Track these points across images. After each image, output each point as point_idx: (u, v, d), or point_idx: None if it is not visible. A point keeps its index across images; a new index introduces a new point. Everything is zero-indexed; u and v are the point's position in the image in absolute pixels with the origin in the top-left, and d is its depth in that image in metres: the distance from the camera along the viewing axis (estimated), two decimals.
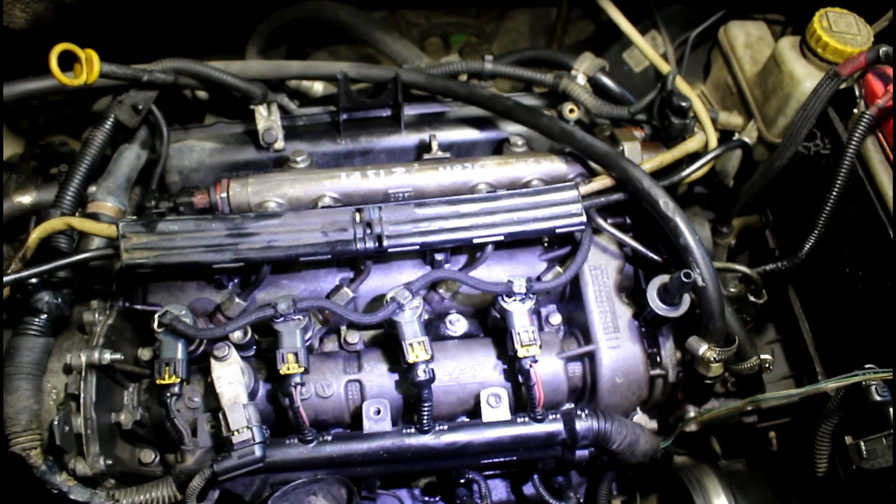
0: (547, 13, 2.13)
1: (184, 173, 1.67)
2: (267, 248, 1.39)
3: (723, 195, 1.80)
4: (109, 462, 1.38)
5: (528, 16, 2.15)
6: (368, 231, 1.41)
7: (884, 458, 1.22)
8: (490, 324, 1.57)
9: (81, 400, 1.35)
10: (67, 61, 1.40)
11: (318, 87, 1.91)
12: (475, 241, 1.43)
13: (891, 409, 1.23)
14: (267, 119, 1.65)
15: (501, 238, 1.44)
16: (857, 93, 1.50)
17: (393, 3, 2.04)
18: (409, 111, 1.72)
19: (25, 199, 1.63)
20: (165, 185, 1.67)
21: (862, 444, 1.27)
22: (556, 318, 1.57)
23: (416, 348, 1.38)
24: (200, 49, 1.98)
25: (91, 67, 1.45)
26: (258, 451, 1.33)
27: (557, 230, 1.45)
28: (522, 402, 1.47)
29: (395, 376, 1.48)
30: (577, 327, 1.55)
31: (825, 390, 1.37)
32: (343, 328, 1.56)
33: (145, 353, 1.49)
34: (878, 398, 1.25)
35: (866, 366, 1.28)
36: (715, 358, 1.38)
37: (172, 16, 1.87)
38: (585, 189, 1.50)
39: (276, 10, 1.90)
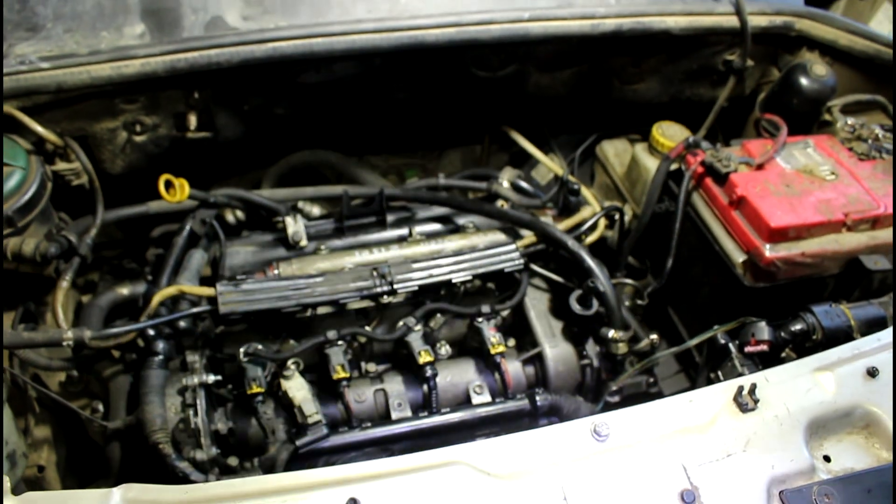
0: (473, 150, 2.87)
1: (233, 269, 2.24)
2: (318, 295, 2.04)
3: (613, 257, 2.56)
4: (218, 451, 1.93)
5: (460, 153, 2.87)
6: (383, 280, 2.09)
7: (731, 374, 1.88)
8: (466, 345, 2.23)
9: (198, 406, 1.91)
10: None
11: (315, 210, 2.60)
12: (453, 280, 2.13)
13: (729, 345, 1.94)
14: (294, 225, 2.30)
15: (470, 277, 2.13)
16: (682, 167, 2.31)
17: (361, 151, 2.79)
18: (390, 216, 2.43)
19: (124, 290, 2.18)
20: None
21: (719, 373, 1.94)
22: (512, 341, 2.22)
23: (423, 355, 2.02)
24: (224, 178, 2.70)
25: (183, 191, 2.14)
26: (325, 430, 1.91)
27: (505, 270, 2.16)
28: (497, 391, 2.12)
29: (409, 384, 2.07)
30: (527, 343, 2.21)
31: (694, 349, 2.11)
32: (363, 363, 2.19)
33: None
34: (721, 342, 1.95)
35: (714, 327, 2.02)
36: (619, 338, 2.08)
37: (213, 158, 2.57)
38: (520, 244, 2.22)
39: (282, 157, 2.65)
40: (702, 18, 2.31)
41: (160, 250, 2.41)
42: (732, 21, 2.35)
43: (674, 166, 2.31)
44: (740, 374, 1.87)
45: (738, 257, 2.08)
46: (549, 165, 2.62)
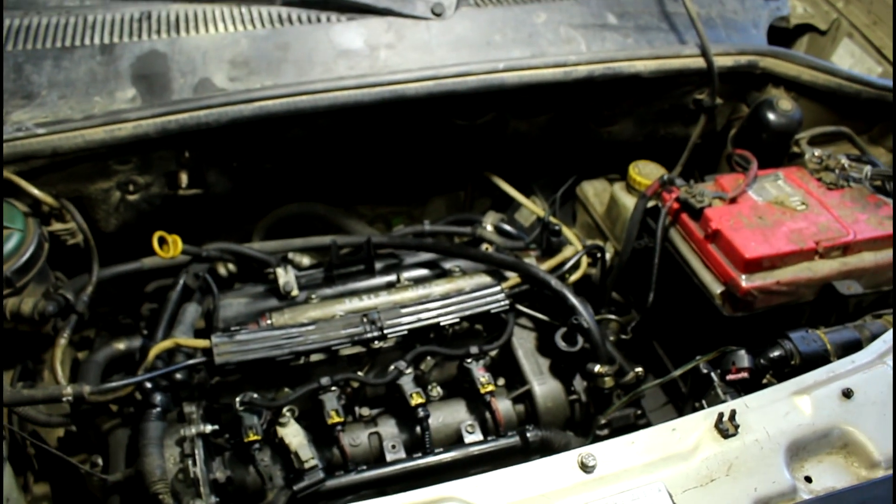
0: (457, 196, 2.95)
1: (227, 321, 2.28)
2: (311, 343, 2.09)
3: (597, 293, 2.63)
4: (218, 499, 1.97)
5: (444, 199, 2.94)
6: (373, 325, 2.15)
7: (714, 402, 1.93)
8: (458, 389, 2.28)
9: (196, 456, 1.94)
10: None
11: (305, 261, 2.65)
12: (442, 323, 2.18)
13: (711, 374, 2.00)
14: (285, 276, 2.35)
15: (458, 320, 2.19)
16: (658, 205, 2.40)
17: (348, 201, 2.87)
18: (378, 263, 2.49)
19: (120, 345, 2.22)
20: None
21: (704, 402, 1.99)
22: (501, 380, 2.26)
23: (415, 397, 2.06)
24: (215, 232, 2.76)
25: (176, 247, 2.20)
26: (321, 474, 1.94)
27: (492, 311, 2.21)
28: (488, 429, 2.17)
29: (402, 426, 2.10)
30: (515, 381, 2.25)
31: (679, 380, 2.16)
32: (356, 407, 2.23)
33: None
34: (704, 371, 2.00)
35: (696, 357, 2.08)
36: (605, 372, 2.14)
37: (204, 213, 2.63)
38: (504, 285, 2.29)
39: (271, 209, 2.73)
40: (670, 61, 2.41)
41: (154, 305, 2.47)
42: (699, 62, 2.45)
43: (651, 203, 2.39)
44: (723, 402, 1.93)
45: (716, 288, 2.15)
46: (531, 208, 2.69)
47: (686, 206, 2.26)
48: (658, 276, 2.30)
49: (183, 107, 2.10)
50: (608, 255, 2.60)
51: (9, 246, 1.95)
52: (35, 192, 2.04)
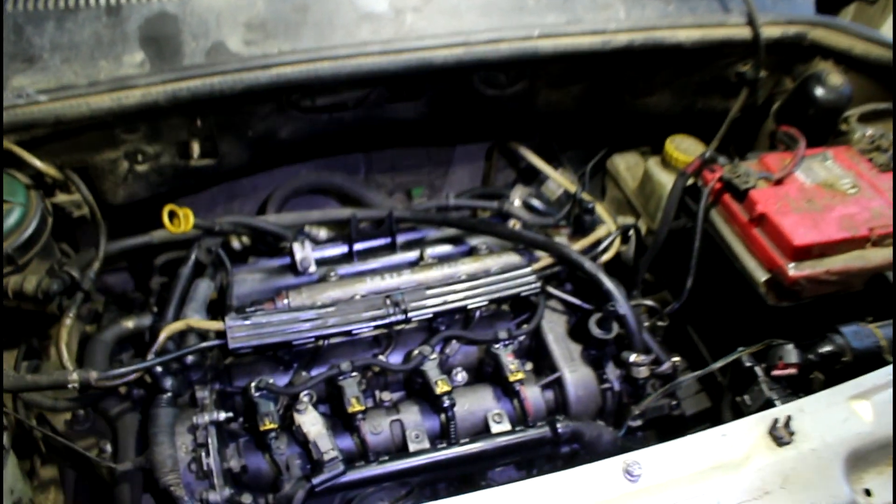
0: (480, 165, 2.84)
1: (241, 297, 2.18)
2: (330, 326, 1.98)
3: (628, 273, 2.50)
4: (232, 490, 1.87)
5: (467, 170, 2.82)
6: (397, 308, 2.03)
7: (759, 399, 1.84)
8: (483, 373, 2.17)
9: (210, 446, 1.85)
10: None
11: (322, 233, 2.53)
12: (469, 307, 2.07)
13: (755, 368, 1.89)
14: (302, 251, 2.24)
15: (485, 303, 2.08)
16: (698, 184, 2.27)
17: (367, 169, 2.75)
18: (400, 238, 2.37)
19: (129, 323, 2.11)
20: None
21: (746, 397, 1.90)
22: (529, 365, 2.16)
23: (440, 384, 1.96)
24: (228, 202, 2.65)
25: (187, 221, 2.08)
26: (342, 466, 1.85)
27: (522, 294, 2.10)
28: (516, 418, 2.06)
29: (425, 413, 2.01)
30: (545, 367, 2.15)
31: (718, 372, 2.05)
32: (377, 392, 2.13)
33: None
34: (747, 364, 1.90)
35: (738, 349, 1.96)
36: (641, 362, 2.03)
37: (217, 183, 2.51)
38: (535, 266, 2.17)
39: (287, 179, 2.59)
40: (714, 31, 2.25)
41: (164, 279, 2.37)
42: (745, 33, 2.29)
43: (689, 181, 2.25)
44: (769, 399, 1.82)
45: (761, 276, 2.02)
46: (560, 181, 2.56)
47: (729, 187, 2.12)
48: (698, 257, 2.17)
49: (194, 73, 1.96)
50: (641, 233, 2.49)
51: (10, 221, 1.83)
52: (37, 163, 1.91)
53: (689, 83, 2.46)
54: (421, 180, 2.83)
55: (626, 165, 2.64)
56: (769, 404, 1.81)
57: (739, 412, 1.91)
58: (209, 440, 1.84)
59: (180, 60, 2.03)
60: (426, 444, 1.97)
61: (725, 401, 1.99)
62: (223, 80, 1.97)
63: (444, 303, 2.05)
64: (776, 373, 1.84)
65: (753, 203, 2.05)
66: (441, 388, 1.96)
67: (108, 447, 1.96)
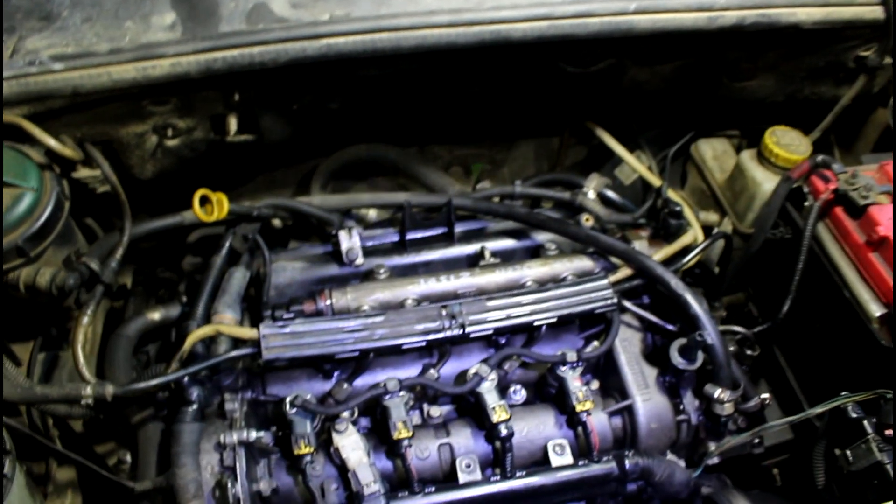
0: (548, 142, 2.55)
1: (279, 288, 1.98)
2: (377, 339, 1.76)
3: (708, 278, 2.23)
4: None
5: (533, 145, 2.56)
6: (453, 321, 1.79)
7: (865, 459, 1.60)
8: (544, 392, 1.94)
9: (238, 470, 1.66)
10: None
11: (372, 213, 2.30)
12: (535, 323, 1.83)
13: (864, 422, 1.64)
14: (349, 241, 2.01)
15: (554, 320, 1.83)
16: (805, 190, 1.96)
17: (422, 140, 2.48)
18: (458, 227, 2.12)
19: (155, 315, 1.94)
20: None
21: (848, 452, 1.66)
22: (595, 385, 1.93)
23: (498, 411, 1.74)
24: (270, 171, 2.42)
25: (221, 207, 1.84)
26: (383, 500, 1.66)
27: (596, 311, 1.85)
28: (579, 450, 1.84)
29: (478, 437, 1.81)
30: (613, 389, 1.92)
31: (813, 416, 1.79)
32: (425, 405, 1.91)
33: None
34: (854, 415, 1.65)
35: (842, 393, 1.71)
36: (727, 399, 1.78)
37: (250, 160, 2.26)
38: (612, 279, 1.91)
39: (333, 151, 2.34)
40: (840, 10, 1.91)
41: (197, 259, 2.15)
42: (876, 12, 1.94)
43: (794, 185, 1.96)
44: (878, 462, 1.57)
45: (875, 310, 1.74)
46: (638, 168, 2.27)
47: (844, 200, 1.83)
48: (801, 277, 1.89)
49: (232, 41, 1.69)
50: (723, 229, 2.21)
51: (20, 209, 1.61)
52: (51, 142, 1.68)
53: (799, 67, 2.14)
54: (481, 154, 2.56)
55: (714, 154, 2.34)
56: (878, 469, 1.57)
57: (835, 465, 1.68)
58: (237, 464, 1.65)
59: (216, 24, 1.75)
60: (478, 475, 1.76)
61: (819, 448, 1.74)
62: (265, 50, 1.70)
63: (508, 317, 1.81)
64: (890, 433, 1.58)
65: (874, 223, 1.76)
66: (499, 415, 1.74)
67: (128, 457, 1.78)
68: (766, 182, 2.10)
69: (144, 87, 1.68)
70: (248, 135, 1.95)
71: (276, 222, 2.14)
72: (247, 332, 1.75)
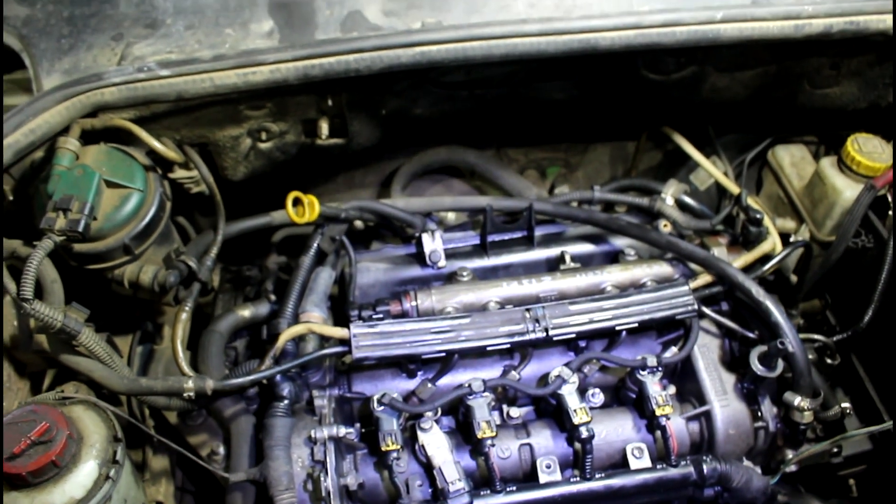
0: (622, 146, 2.57)
1: (363, 288, 2.04)
2: (463, 341, 1.80)
3: (783, 285, 2.23)
4: None
5: (609, 148, 2.57)
6: (537, 325, 1.83)
7: None
8: (622, 395, 1.97)
9: (328, 464, 1.72)
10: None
11: (451, 216, 2.33)
12: (617, 328, 1.86)
13: None
14: (432, 243, 2.04)
15: (636, 325, 1.86)
16: (889, 199, 1.97)
17: (498, 143, 2.51)
18: (538, 230, 2.13)
19: (245, 312, 2.00)
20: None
21: None
22: (672, 389, 1.94)
23: (579, 413, 1.78)
24: (349, 186, 2.47)
25: (313, 209, 1.90)
26: (467, 497, 1.71)
27: (677, 317, 1.88)
28: (657, 454, 1.87)
29: (557, 438, 1.84)
30: (691, 394, 1.94)
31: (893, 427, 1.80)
32: (505, 406, 1.95)
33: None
34: None
35: None
36: (807, 407, 1.79)
37: (335, 162, 2.33)
38: (693, 285, 1.93)
39: (414, 154, 2.39)
40: None
41: (282, 258, 2.23)
42: None
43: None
44: None
45: None
46: (715, 174, 2.28)
47: None
48: (885, 287, 1.89)
49: (329, 49, 1.74)
50: (801, 236, 2.20)
51: (127, 208, 1.68)
52: (157, 145, 1.75)
53: (884, 74, 2.12)
54: (557, 158, 2.58)
55: (792, 160, 2.33)
56: None
57: None
58: (327, 458, 1.71)
59: (312, 31, 1.81)
60: (558, 476, 1.80)
61: None
62: (360, 58, 1.75)
63: (590, 321, 1.84)
64: None
65: None
66: (580, 417, 1.77)
67: (221, 449, 1.86)
68: (846, 190, 2.09)
69: (244, 92, 1.75)
70: (338, 139, 2.00)
71: (359, 223, 2.19)
72: (338, 332, 1.80)
